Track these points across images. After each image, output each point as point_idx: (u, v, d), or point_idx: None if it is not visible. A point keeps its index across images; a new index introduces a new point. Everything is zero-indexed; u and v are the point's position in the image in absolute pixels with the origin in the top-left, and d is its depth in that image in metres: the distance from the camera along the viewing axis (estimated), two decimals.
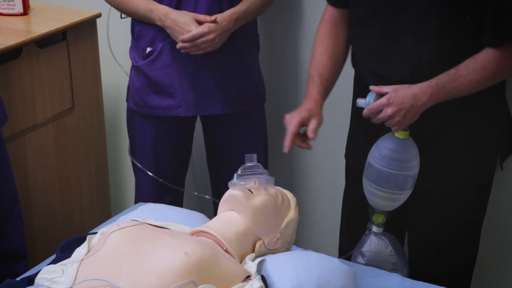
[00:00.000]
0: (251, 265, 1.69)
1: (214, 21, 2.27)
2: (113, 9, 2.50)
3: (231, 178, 1.78)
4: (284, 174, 2.83)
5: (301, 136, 2.04)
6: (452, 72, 1.90)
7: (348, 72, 2.18)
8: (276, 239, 1.81)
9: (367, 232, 2.11)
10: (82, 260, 1.63)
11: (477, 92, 1.93)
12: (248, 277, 1.64)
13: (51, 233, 2.75)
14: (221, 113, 2.44)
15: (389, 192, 1.99)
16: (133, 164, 2.61)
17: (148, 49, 2.41)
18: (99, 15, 2.76)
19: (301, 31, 2.63)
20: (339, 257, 2.25)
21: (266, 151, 2.59)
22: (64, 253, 1.71)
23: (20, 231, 2.45)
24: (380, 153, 1.98)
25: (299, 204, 1.91)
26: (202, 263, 1.56)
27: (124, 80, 2.62)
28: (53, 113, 2.68)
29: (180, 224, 1.86)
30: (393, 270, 2.05)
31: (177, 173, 2.61)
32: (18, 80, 2.53)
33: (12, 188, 2.41)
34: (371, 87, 1.96)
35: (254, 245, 1.78)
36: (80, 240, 1.73)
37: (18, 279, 1.68)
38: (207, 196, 2.68)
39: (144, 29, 2.41)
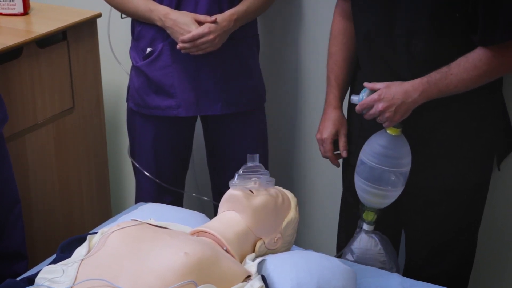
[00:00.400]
0: (251, 265, 1.69)
1: (214, 22, 2.27)
2: (114, 9, 2.50)
3: (231, 178, 1.78)
4: (284, 174, 2.83)
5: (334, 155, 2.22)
6: (444, 70, 1.90)
7: None
8: (277, 239, 1.81)
9: (357, 229, 2.11)
10: (82, 260, 1.63)
11: (470, 90, 1.93)
12: (248, 277, 1.64)
13: (51, 233, 2.75)
14: (221, 113, 2.44)
15: (380, 189, 2.00)
16: (133, 164, 2.61)
17: (148, 50, 2.41)
18: (99, 15, 2.76)
19: (301, 31, 2.63)
20: (336, 254, 2.25)
21: (266, 151, 2.59)
22: (64, 253, 1.71)
23: (20, 231, 2.44)
24: (372, 149, 2.00)
25: (299, 204, 1.91)
26: (202, 263, 1.56)
27: (124, 80, 2.62)
28: (53, 113, 2.68)
29: (181, 224, 1.86)
30: (381, 268, 2.05)
31: (177, 173, 2.61)
32: (18, 80, 2.53)
33: (12, 188, 2.40)
34: (365, 84, 1.98)
35: (254, 245, 1.78)
36: (80, 240, 1.73)
37: (18, 279, 1.68)
38: (205, 198, 2.68)
39: (144, 29, 2.41)
